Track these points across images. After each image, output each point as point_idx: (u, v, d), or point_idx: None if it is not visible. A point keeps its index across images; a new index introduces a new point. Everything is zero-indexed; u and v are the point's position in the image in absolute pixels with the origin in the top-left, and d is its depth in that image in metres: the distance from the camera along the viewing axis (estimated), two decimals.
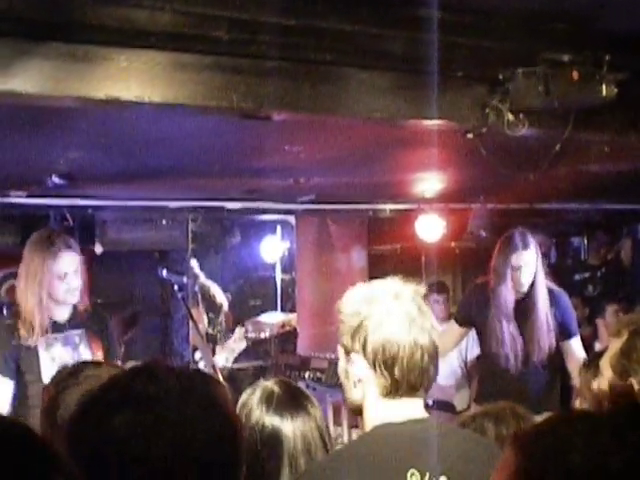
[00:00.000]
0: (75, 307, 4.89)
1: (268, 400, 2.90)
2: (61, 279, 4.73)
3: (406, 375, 2.51)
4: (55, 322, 4.80)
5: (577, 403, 3.88)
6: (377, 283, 2.66)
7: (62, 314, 4.85)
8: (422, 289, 2.64)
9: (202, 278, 9.46)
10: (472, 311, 6.04)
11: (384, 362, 2.51)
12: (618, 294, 9.57)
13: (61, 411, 2.75)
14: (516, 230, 5.88)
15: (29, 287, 4.72)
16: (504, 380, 5.78)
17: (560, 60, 4.01)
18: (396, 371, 2.51)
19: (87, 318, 4.92)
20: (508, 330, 5.71)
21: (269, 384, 3.00)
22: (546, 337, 5.71)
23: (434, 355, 2.55)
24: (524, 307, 5.75)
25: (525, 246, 5.73)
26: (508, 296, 5.72)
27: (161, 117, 4.20)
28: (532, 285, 5.74)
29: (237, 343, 5.33)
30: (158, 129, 4.55)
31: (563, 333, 5.81)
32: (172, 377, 1.81)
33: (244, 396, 2.98)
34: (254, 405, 2.90)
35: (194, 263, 9.40)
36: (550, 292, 5.83)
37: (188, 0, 3.43)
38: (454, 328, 6.11)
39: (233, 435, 1.81)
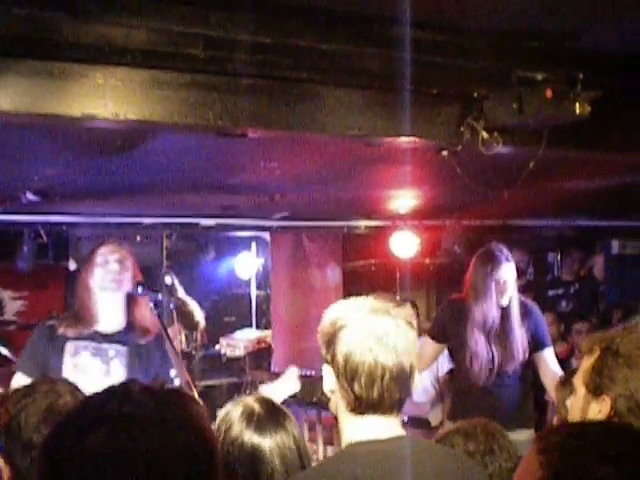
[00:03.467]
0: (130, 325, 4.71)
1: (249, 417, 2.90)
2: (101, 266, 4.62)
3: (365, 393, 2.49)
4: (95, 330, 4.65)
5: (555, 420, 3.89)
6: (362, 298, 2.66)
7: (108, 324, 4.68)
8: (407, 308, 2.63)
9: (180, 293, 9.43)
10: (447, 326, 6.03)
11: (345, 377, 2.51)
12: (592, 310, 9.64)
13: (24, 429, 2.74)
14: (492, 244, 5.88)
15: (79, 283, 4.76)
16: (477, 396, 5.78)
17: (534, 78, 4.03)
18: (356, 387, 2.50)
19: (145, 341, 4.71)
20: (485, 345, 5.71)
21: (250, 401, 3.00)
22: (521, 350, 5.73)
23: (399, 375, 2.50)
24: (501, 321, 5.75)
25: (506, 259, 5.74)
26: (491, 311, 5.70)
27: (136, 134, 4.20)
28: (510, 298, 5.75)
29: (289, 386, 5.11)
30: (133, 147, 4.54)
31: (536, 345, 5.82)
32: (148, 396, 1.80)
33: (224, 411, 2.97)
34: (235, 421, 2.90)
35: (173, 278, 9.38)
36: (523, 305, 5.84)
37: (164, 18, 3.43)
38: (428, 344, 6.06)
39: (210, 454, 1.80)
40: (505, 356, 5.72)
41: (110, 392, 1.82)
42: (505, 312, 5.73)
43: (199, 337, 9.28)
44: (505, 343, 5.71)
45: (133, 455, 1.70)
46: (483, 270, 5.70)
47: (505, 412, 5.61)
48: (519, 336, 5.72)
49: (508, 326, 5.71)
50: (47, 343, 4.61)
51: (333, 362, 2.55)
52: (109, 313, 4.66)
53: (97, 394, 1.84)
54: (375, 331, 2.50)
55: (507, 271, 5.71)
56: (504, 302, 5.71)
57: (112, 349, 4.65)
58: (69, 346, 4.60)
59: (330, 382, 2.59)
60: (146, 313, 4.65)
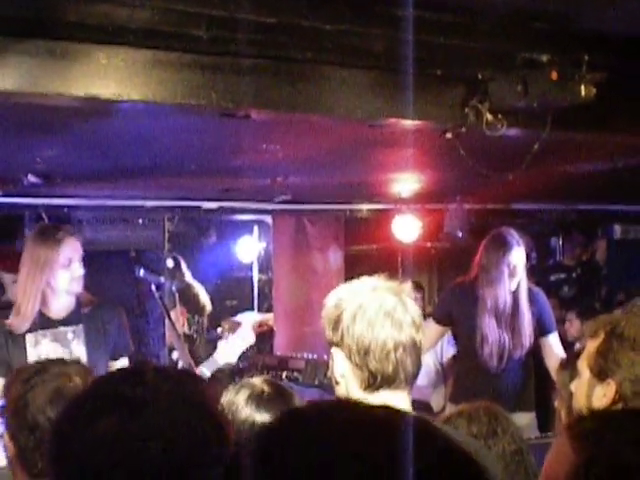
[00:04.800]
0: (78, 302, 4.77)
1: (258, 398, 2.91)
2: (65, 267, 4.61)
3: (380, 367, 2.53)
4: (48, 318, 4.69)
5: (556, 403, 3.89)
6: (362, 279, 2.68)
7: (60, 309, 4.74)
8: (406, 286, 2.66)
9: (188, 277, 9.43)
10: (452, 310, 6.04)
11: (358, 354, 2.54)
12: (594, 295, 9.63)
13: (31, 409, 2.72)
14: (502, 229, 5.90)
15: (30, 276, 4.64)
16: (481, 379, 5.80)
17: (539, 60, 4.01)
18: (370, 363, 2.53)
19: (90, 313, 4.79)
20: (495, 328, 5.72)
21: (257, 383, 3.01)
22: (528, 336, 5.74)
23: (411, 348, 2.56)
24: (509, 305, 5.77)
25: (517, 244, 5.76)
26: (505, 296, 5.73)
27: (139, 115, 4.18)
28: (518, 282, 5.77)
29: (245, 338, 5.24)
30: (135, 128, 4.53)
31: (542, 329, 5.85)
32: (161, 379, 1.78)
33: (229, 394, 2.97)
34: (241, 403, 2.90)
35: (180, 261, 9.38)
36: (528, 290, 5.86)
37: None
38: (431, 327, 6.06)
39: (223, 437, 1.79)
40: (514, 340, 5.75)
41: (123, 374, 1.81)
42: (514, 297, 5.75)
43: (205, 321, 9.29)
44: (514, 327, 5.73)
45: (146, 439, 1.68)
46: (495, 254, 5.72)
47: (507, 396, 5.63)
48: (528, 321, 5.74)
49: (518, 311, 5.74)
50: (6, 340, 4.64)
51: (343, 343, 2.57)
52: (63, 301, 4.75)
53: (109, 376, 1.82)
54: (384, 307, 2.55)
55: (518, 255, 5.74)
56: (513, 286, 5.72)
57: (69, 331, 4.71)
58: (29, 338, 4.64)
59: (340, 365, 2.60)
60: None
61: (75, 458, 1.70)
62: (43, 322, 4.68)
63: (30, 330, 4.64)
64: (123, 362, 4.79)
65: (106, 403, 1.72)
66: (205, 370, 5.04)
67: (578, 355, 3.58)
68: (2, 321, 4.71)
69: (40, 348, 4.64)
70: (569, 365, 3.74)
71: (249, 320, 5.22)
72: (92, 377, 2.85)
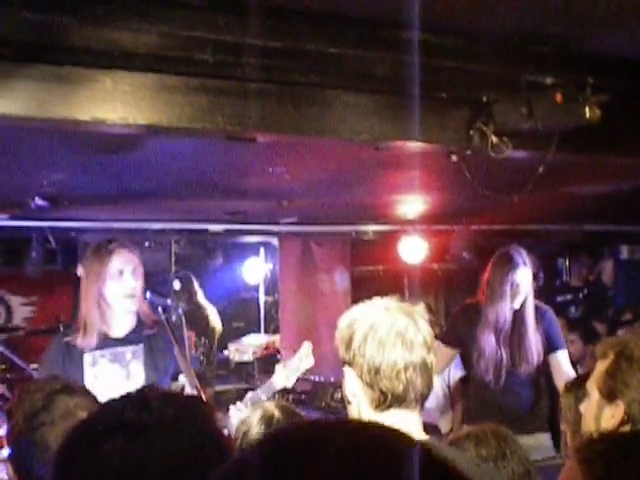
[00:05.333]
0: (140, 322, 4.67)
1: (268, 422, 2.92)
2: (115, 278, 4.51)
3: (390, 387, 2.55)
4: (108, 337, 4.60)
5: (562, 426, 3.88)
6: (375, 300, 2.69)
7: (120, 328, 4.65)
8: (419, 307, 2.68)
9: (199, 297, 9.44)
10: (460, 331, 6.04)
11: (369, 373, 2.56)
12: (601, 315, 9.60)
13: (39, 451, 2.66)
14: (510, 247, 5.91)
15: (87, 289, 4.57)
16: (492, 400, 5.80)
17: (543, 82, 4.03)
18: (380, 383, 2.55)
19: (153, 334, 4.66)
20: (493, 344, 5.73)
21: (270, 407, 3.02)
22: (535, 354, 5.74)
23: (422, 368, 2.58)
24: (514, 324, 5.77)
25: (524, 263, 5.78)
26: (505, 313, 5.74)
27: (145, 139, 4.20)
28: (523, 302, 5.78)
29: (303, 361, 5.17)
30: (142, 151, 4.54)
31: (550, 346, 5.85)
32: (165, 404, 1.79)
33: (243, 415, 2.99)
34: (253, 424, 2.91)
35: (193, 280, 9.40)
36: (537, 308, 5.87)
37: (173, 22, 3.43)
38: (441, 350, 6.04)
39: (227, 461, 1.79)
40: (519, 359, 5.75)
41: (127, 399, 1.81)
42: (519, 315, 5.76)
43: (215, 342, 9.29)
44: (519, 346, 5.75)
45: (150, 464, 1.68)
46: (500, 272, 5.75)
47: (520, 416, 5.63)
48: (534, 340, 5.75)
49: (522, 330, 5.75)
50: (64, 358, 4.57)
51: (354, 362, 2.59)
52: (123, 320, 4.65)
53: (114, 401, 1.82)
54: (396, 327, 2.58)
55: (523, 274, 5.75)
56: (516, 304, 5.73)
57: (128, 351, 4.62)
58: (87, 357, 4.56)
59: (352, 384, 2.62)
60: (145, 306, 4.65)
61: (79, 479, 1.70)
62: (102, 341, 4.58)
63: (89, 349, 4.56)
64: (184, 380, 4.59)
65: (111, 427, 1.72)
66: (262, 395, 4.98)
67: (584, 378, 3.59)
68: (61, 337, 4.65)
69: (97, 368, 4.56)
70: (573, 387, 3.73)
71: (307, 345, 5.18)
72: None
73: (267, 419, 2.94)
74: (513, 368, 5.77)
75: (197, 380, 4.44)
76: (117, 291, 4.54)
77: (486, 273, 5.90)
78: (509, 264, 5.76)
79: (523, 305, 5.79)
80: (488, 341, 5.74)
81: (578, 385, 3.68)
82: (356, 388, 2.61)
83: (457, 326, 6.16)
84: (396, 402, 2.57)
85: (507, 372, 5.77)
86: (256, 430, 2.90)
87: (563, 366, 5.79)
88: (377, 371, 2.54)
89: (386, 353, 2.54)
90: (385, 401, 2.57)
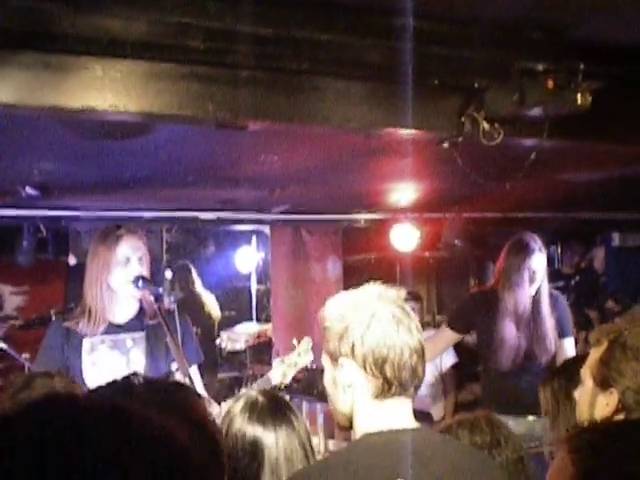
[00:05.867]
0: (142, 309, 4.61)
1: (251, 409, 2.90)
2: (122, 265, 4.46)
3: (397, 374, 2.54)
4: (110, 323, 4.54)
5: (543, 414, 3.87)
6: (359, 289, 2.68)
7: (122, 315, 4.60)
8: (402, 292, 2.68)
9: (197, 286, 9.44)
10: (472, 317, 6.05)
11: (374, 363, 2.55)
12: (592, 303, 9.63)
13: None
14: (524, 234, 5.93)
15: (93, 275, 4.51)
16: (510, 387, 5.83)
17: (535, 69, 4.02)
18: (387, 371, 2.54)
19: (155, 322, 4.54)
20: (514, 332, 5.75)
21: (254, 393, 3.00)
22: (552, 339, 5.78)
23: (422, 354, 2.59)
24: (531, 311, 5.79)
25: (540, 249, 5.80)
26: (525, 300, 5.77)
27: (136, 127, 4.19)
28: (539, 288, 5.80)
29: (302, 357, 5.09)
30: (133, 140, 4.53)
31: (559, 333, 5.87)
32: (151, 391, 1.79)
33: (228, 404, 2.98)
34: (237, 413, 2.90)
35: (191, 269, 9.41)
36: (549, 295, 5.89)
37: (164, 9, 3.41)
38: (446, 334, 6.15)
39: (213, 451, 1.80)
40: (537, 346, 5.77)
41: (114, 386, 1.81)
42: (535, 301, 5.79)
43: (215, 330, 9.31)
44: (537, 332, 5.77)
45: (134, 452, 1.68)
46: (516, 259, 5.77)
47: (532, 400, 5.67)
48: (550, 326, 5.77)
49: (539, 317, 5.78)
50: (63, 343, 4.52)
51: (354, 354, 2.56)
52: (126, 306, 4.61)
53: (101, 387, 1.82)
54: (392, 315, 2.57)
55: (539, 260, 5.78)
56: (533, 291, 5.77)
57: (129, 338, 4.58)
58: (86, 343, 4.52)
59: (349, 375, 2.59)
60: (148, 295, 4.59)
61: (56, 472, 1.70)
62: (104, 327, 4.54)
63: (89, 334, 4.51)
64: (193, 371, 4.56)
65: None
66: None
67: (572, 363, 3.62)
68: (59, 321, 4.60)
69: (96, 355, 4.51)
70: (548, 379, 3.74)
71: (307, 340, 5.13)
72: (78, 387, 2.85)
73: (251, 405, 2.92)
74: (531, 355, 5.80)
75: (197, 369, 4.43)
76: (122, 278, 4.49)
77: (501, 260, 5.93)
78: (525, 250, 5.79)
79: (538, 291, 5.82)
80: (509, 329, 5.75)
81: (551, 377, 3.71)
82: (356, 379, 2.59)
83: (468, 312, 6.17)
84: (399, 389, 2.56)
85: (525, 359, 5.79)
86: (240, 419, 2.89)
87: (569, 354, 5.82)
88: (384, 361, 2.53)
89: (392, 341, 2.53)
90: (390, 389, 2.55)
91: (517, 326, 5.77)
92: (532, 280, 5.77)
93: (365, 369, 2.56)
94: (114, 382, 1.83)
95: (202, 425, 1.81)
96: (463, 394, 8.39)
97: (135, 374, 1.88)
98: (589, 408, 3.03)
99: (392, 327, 2.55)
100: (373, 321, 2.56)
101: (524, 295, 5.76)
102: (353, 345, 2.56)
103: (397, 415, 2.58)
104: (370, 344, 2.54)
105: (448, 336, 6.15)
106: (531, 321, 5.78)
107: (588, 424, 2.83)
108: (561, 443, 1.71)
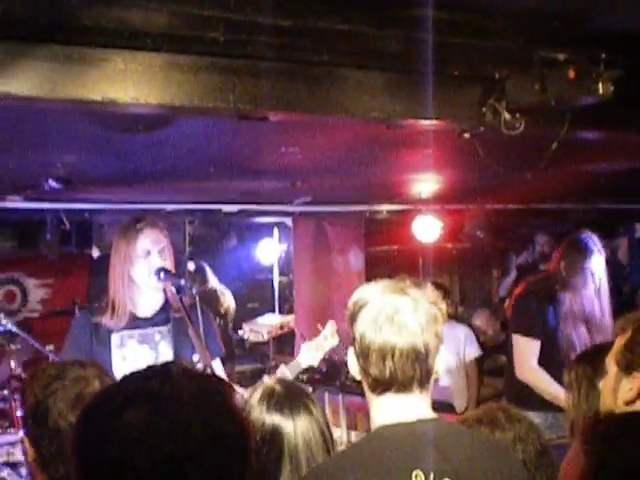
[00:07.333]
0: (167, 302, 4.60)
1: (269, 398, 2.91)
2: (143, 258, 4.46)
3: (378, 372, 2.51)
4: (135, 316, 4.55)
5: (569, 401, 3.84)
6: (379, 280, 2.66)
7: (147, 308, 4.60)
8: (427, 289, 2.65)
9: (213, 283, 9.44)
10: (539, 320, 5.86)
11: (361, 357, 2.54)
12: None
13: (52, 415, 2.70)
14: (581, 233, 5.86)
15: (115, 269, 4.52)
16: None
17: (556, 59, 4.00)
18: (369, 367, 2.53)
19: (180, 315, 4.52)
20: (585, 335, 5.68)
21: (270, 382, 3.01)
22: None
23: (410, 353, 2.49)
24: (597, 310, 5.74)
25: (599, 250, 5.74)
26: (592, 302, 5.72)
27: (157, 119, 4.20)
28: (599, 288, 5.76)
29: (328, 340, 5.13)
30: (154, 132, 4.54)
31: None
32: (188, 379, 1.81)
33: (247, 394, 2.99)
34: (254, 403, 2.91)
35: (205, 268, 9.41)
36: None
37: (184, 1, 3.42)
38: (528, 345, 5.81)
39: (245, 439, 1.82)
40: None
41: (151, 371, 1.84)
42: (597, 302, 5.72)
43: (229, 323, 9.32)
44: (600, 333, 5.68)
45: (170, 435, 1.70)
46: (575, 260, 5.69)
47: None
48: (611, 326, 5.71)
49: (602, 317, 5.70)
50: (91, 337, 4.53)
51: (354, 343, 2.57)
52: (150, 299, 4.61)
53: (138, 372, 1.85)
54: (385, 310, 2.51)
55: (598, 261, 5.72)
56: (593, 292, 5.71)
57: (157, 332, 4.59)
58: (115, 338, 4.53)
59: (351, 364, 2.61)
60: (171, 288, 4.61)
61: (99, 446, 1.72)
62: (130, 321, 4.54)
63: (117, 328, 4.53)
64: (216, 364, 4.61)
65: (134, 396, 1.75)
66: (287, 372, 4.98)
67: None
68: (87, 316, 4.60)
69: (126, 349, 4.53)
70: (582, 361, 3.73)
71: (332, 323, 5.16)
72: (109, 379, 2.87)
73: (268, 394, 2.93)
74: None
75: (209, 359, 4.44)
76: (144, 271, 4.49)
77: (559, 260, 5.83)
78: (584, 251, 5.71)
79: (599, 291, 5.76)
80: (579, 332, 5.66)
81: (577, 363, 3.69)
82: (357, 369, 2.60)
83: (534, 316, 5.88)
84: (387, 387, 2.53)
85: None
86: (258, 409, 2.90)
87: None
88: (366, 355, 2.51)
89: (373, 336, 2.50)
90: (377, 385, 2.54)
91: (587, 329, 5.67)
92: (594, 281, 5.71)
93: (358, 362, 2.57)
94: (152, 367, 1.86)
95: (235, 416, 1.83)
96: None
97: (174, 362, 1.91)
98: (613, 393, 3.02)
99: (377, 323, 2.50)
100: (364, 315, 2.54)
101: (590, 297, 5.70)
102: (354, 336, 2.58)
103: (401, 407, 2.55)
104: (358, 337, 2.54)
105: (527, 346, 5.80)
106: (597, 322, 5.71)
107: (602, 416, 2.83)
108: (576, 434, 1.73)
